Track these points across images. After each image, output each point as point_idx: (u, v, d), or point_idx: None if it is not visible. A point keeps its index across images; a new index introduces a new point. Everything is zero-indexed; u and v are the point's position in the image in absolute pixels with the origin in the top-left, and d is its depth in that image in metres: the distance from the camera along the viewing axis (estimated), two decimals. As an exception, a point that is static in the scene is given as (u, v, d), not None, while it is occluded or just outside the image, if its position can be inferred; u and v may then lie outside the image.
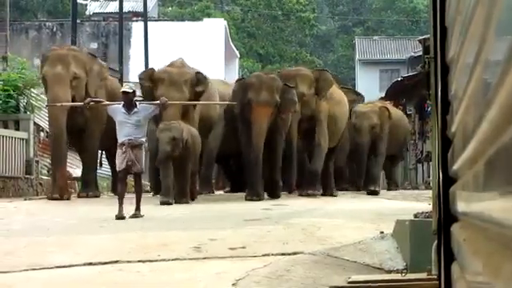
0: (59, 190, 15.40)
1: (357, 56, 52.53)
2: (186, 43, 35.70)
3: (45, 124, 18.20)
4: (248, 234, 8.89)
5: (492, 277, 1.69)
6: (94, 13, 44.18)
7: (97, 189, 17.15)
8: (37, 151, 18.12)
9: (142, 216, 11.38)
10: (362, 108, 20.36)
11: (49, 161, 17.41)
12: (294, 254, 7.63)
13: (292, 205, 14.43)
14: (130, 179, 13.12)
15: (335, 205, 14.71)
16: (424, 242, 5.80)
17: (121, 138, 11.40)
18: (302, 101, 17.01)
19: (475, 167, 2.12)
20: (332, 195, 18.49)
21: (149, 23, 32.93)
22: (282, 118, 16.60)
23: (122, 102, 11.70)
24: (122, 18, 30.47)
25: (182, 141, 14.21)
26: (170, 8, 56.44)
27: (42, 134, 18.95)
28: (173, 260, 7.41)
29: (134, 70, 33.56)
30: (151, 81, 15.91)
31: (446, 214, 3.40)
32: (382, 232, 8.52)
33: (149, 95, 15.29)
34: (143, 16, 33.63)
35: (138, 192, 11.73)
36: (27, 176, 17.52)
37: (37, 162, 17.93)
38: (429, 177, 24.96)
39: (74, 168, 18.93)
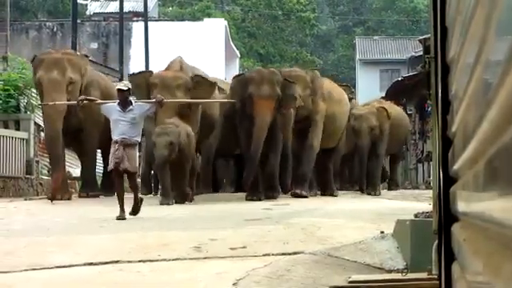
0: (52, 191, 15.39)
1: (357, 56, 52.54)
2: (186, 43, 35.69)
3: (45, 124, 18.17)
4: (248, 234, 8.89)
5: (492, 277, 1.69)
6: (94, 13, 44.19)
7: (97, 188, 17.12)
8: (37, 151, 18.12)
9: (139, 211, 11.32)
10: (360, 110, 20.29)
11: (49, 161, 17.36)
12: (295, 253, 7.63)
13: (292, 205, 14.43)
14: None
15: (335, 205, 14.71)
16: (424, 242, 5.80)
17: (115, 137, 11.20)
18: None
19: (475, 167, 2.12)
20: (332, 195, 18.50)
21: (149, 23, 32.94)
22: (283, 114, 16.52)
23: (117, 101, 11.54)
24: (123, 18, 30.47)
25: (179, 144, 14.18)
26: (170, 8, 56.45)
27: (42, 133, 18.91)
28: (173, 260, 7.40)
29: (135, 70, 33.49)
30: (146, 85, 15.72)
31: (446, 214, 3.40)
32: (382, 232, 8.52)
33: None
34: (143, 16, 33.64)
35: (134, 190, 11.53)
36: (27, 176, 17.53)
37: (37, 161, 17.94)
38: (429, 177, 24.96)
39: (74, 168, 18.94)
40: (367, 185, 20.58)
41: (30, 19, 43.32)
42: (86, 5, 44.97)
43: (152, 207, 13.56)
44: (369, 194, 19.74)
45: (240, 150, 17.86)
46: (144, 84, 15.56)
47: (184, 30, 38.27)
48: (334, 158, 19.77)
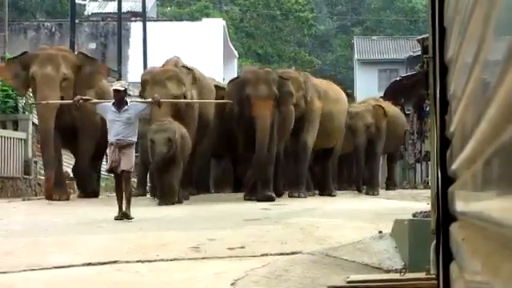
0: (46, 191, 15.33)
1: (355, 56, 52.55)
2: (184, 43, 35.73)
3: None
4: (247, 234, 8.88)
5: (491, 276, 1.69)
6: (92, 13, 44.23)
7: (91, 188, 16.90)
8: (35, 151, 18.08)
9: (132, 218, 10.97)
10: (355, 108, 20.14)
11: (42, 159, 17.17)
12: (293, 253, 7.63)
13: (291, 205, 14.44)
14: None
15: (334, 205, 14.71)
16: (423, 242, 5.80)
17: (111, 138, 11.15)
18: None
19: (474, 167, 2.12)
20: (331, 195, 18.50)
21: (147, 23, 32.95)
22: (283, 113, 16.49)
23: (113, 101, 11.44)
24: (121, 18, 30.48)
25: (175, 142, 14.10)
26: (168, 8, 56.46)
27: (40, 134, 18.89)
28: (172, 260, 7.40)
29: (133, 70, 33.63)
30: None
31: (444, 214, 3.40)
32: (380, 232, 8.52)
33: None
34: (142, 16, 33.66)
35: (128, 192, 11.22)
36: (26, 176, 17.51)
37: (35, 162, 17.91)
38: (427, 176, 24.97)
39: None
40: (366, 184, 20.58)
41: (29, 19, 43.34)
42: (85, 5, 45.01)
43: (150, 207, 13.57)
44: (367, 193, 19.72)
45: (232, 151, 17.91)
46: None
47: (182, 30, 38.31)
48: (332, 158, 19.75)
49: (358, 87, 47.84)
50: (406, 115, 30.72)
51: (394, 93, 30.48)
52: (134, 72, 32.57)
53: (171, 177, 14.25)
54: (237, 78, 17.04)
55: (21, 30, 38.47)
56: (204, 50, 36.66)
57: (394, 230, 8.12)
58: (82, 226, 10.39)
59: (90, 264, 7.20)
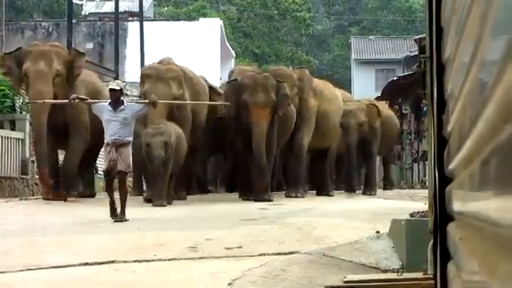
0: (44, 189, 15.25)
1: (352, 56, 52.56)
2: (181, 43, 35.72)
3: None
4: (244, 234, 8.89)
5: (488, 276, 1.69)
6: (89, 13, 44.20)
7: (77, 188, 16.66)
8: (32, 151, 18.05)
9: (127, 220, 10.93)
10: (348, 106, 19.94)
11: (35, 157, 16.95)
12: (290, 253, 7.63)
13: (288, 204, 14.44)
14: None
15: (331, 204, 14.71)
16: (420, 242, 5.80)
17: (107, 138, 11.08)
18: None
19: (471, 167, 2.12)
20: (328, 195, 18.48)
21: (144, 23, 32.94)
22: (281, 115, 16.45)
23: (109, 100, 11.35)
24: (118, 17, 30.44)
25: (172, 145, 14.05)
26: (165, 8, 56.43)
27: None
28: (169, 260, 7.40)
29: (130, 69, 33.64)
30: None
31: (441, 214, 3.41)
32: (378, 231, 8.53)
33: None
34: (139, 16, 33.65)
35: (123, 194, 11.22)
36: (23, 176, 17.48)
37: (32, 161, 17.86)
38: (425, 176, 24.96)
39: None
40: (363, 184, 20.58)
41: (26, 19, 43.30)
42: (82, 5, 44.96)
43: (147, 208, 13.56)
44: (365, 193, 19.70)
45: (225, 151, 17.90)
46: None
47: (179, 30, 38.28)
48: (329, 158, 19.70)
49: (355, 87, 47.85)
50: (404, 115, 30.75)
51: (391, 92, 30.47)
52: (131, 72, 32.58)
53: (165, 178, 14.21)
54: (234, 80, 16.81)
55: (18, 29, 38.42)
56: (201, 49, 36.65)
57: (392, 229, 8.13)
58: (80, 225, 10.39)
59: (87, 264, 7.20)
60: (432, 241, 4.16)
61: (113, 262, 7.30)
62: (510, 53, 1.42)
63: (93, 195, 16.80)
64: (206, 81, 18.43)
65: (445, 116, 3.35)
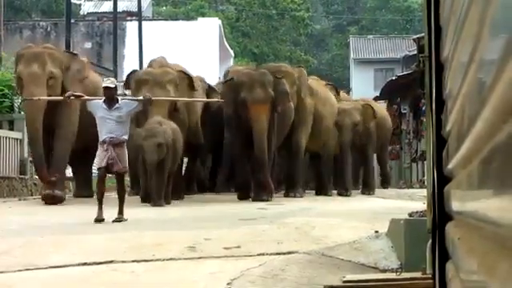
0: (46, 187, 15.17)
1: (351, 55, 52.59)
2: (180, 43, 35.73)
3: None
4: (243, 234, 8.88)
5: (487, 276, 1.69)
6: (88, 12, 44.23)
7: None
8: (30, 152, 18.04)
9: (125, 220, 10.90)
10: (344, 105, 19.80)
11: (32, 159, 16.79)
12: (289, 253, 7.63)
13: (287, 204, 14.43)
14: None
15: (330, 204, 14.70)
16: (418, 241, 5.80)
17: (102, 136, 10.88)
18: None
19: (470, 166, 2.12)
20: (326, 195, 18.47)
21: (143, 23, 32.95)
22: (280, 112, 16.38)
23: (103, 98, 11.14)
24: (117, 17, 30.46)
25: (167, 145, 13.88)
26: (164, 7, 56.45)
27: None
28: (168, 260, 7.40)
29: (129, 69, 33.52)
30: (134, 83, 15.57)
31: (440, 213, 3.41)
32: (376, 231, 8.53)
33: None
34: (137, 15, 33.65)
35: (121, 194, 11.14)
36: (21, 176, 17.48)
37: (31, 161, 17.86)
38: (423, 176, 24.95)
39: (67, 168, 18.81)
40: (362, 184, 20.60)
41: (24, 19, 43.31)
42: (80, 4, 45.00)
43: (146, 208, 13.55)
44: (363, 193, 19.72)
45: (219, 150, 17.89)
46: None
47: (178, 30, 38.29)
48: (324, 158, 19.54)
49: (354, 86, 47.89)
50: (402, 114, 30.73)
51: (389, 92, 30.49)
52: (129, 71, 32.53)
53: (163, 178, 14.16)
54: (230, 79, 16.67)
55: (16, 29, 38.43)
56: (200, 49, 36.66)
57: (390, 229, 8.12)
58: (78, 225, 10.39)
59: (85, 264, 7.20)
60: (431, 240, 4.16)
61: (111, 261, 7.30)
62: (508, 52, 1.41)
63: (91, 195, 16.78)
64: (204, 81, 18.39)
65: (443, 115, 3.35)
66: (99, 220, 10.71)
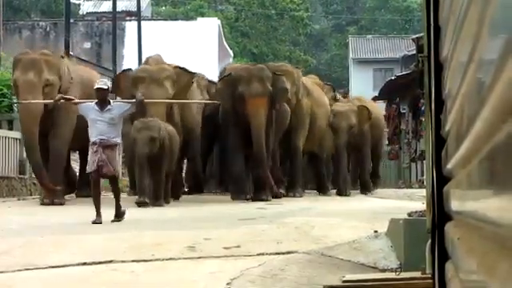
0: (47, 192, 15.07)
1: (350, 55, 52.55)
2: (179, 43, 35.73)
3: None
4: (242, 234, 8.88)
5: (486, 276, 1.69)
6: (87, 12, 44.20)
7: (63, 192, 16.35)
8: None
9: (124, 213, 10.98)
10: (339, 107, 19.73)
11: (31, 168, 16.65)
12: (289, 253, 7.63)
13: (286, 204, 14.44)
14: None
15: (329, 204, 14.71)
16: (418, 241, 5.80)
17: (92, 138, 10.72)
18: None
19: (469, 166, 2.12)
20: (326, 195, 18.50)
21: (142, 23, 32.90)
22: (279, 110, 16.30)
23: (95, 100, 10.99)
24: (116, 17, 30.43)
25: (160, 140, 13.73)
26: (163, 7, 56.44)
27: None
28: (167, 260, 7.40)
29: (128, 69, 33.56)
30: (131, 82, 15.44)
31: (439, 213, 3.41)
32: (376, 231, 8.53)
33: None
34: (137, 15, 33.60)
35: (116, 195, 11.12)
36: (21, 176, 17.47)
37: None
38: (423, 176, 24.95)
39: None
40: (360, 185, 20.65)
41: (23, 19, 43.25)
42: (79, 4, 44.98)
43: (145, 208, 13.53)
44: (363, 193, 19.77)
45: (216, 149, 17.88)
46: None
47: (177, 30, 38.28)
48: (321, 158, 19.54)
49: (353, 86, 47.86)
50: (401, 114, 30.75)
51: (389, 92, 30.50)
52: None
53: (161, 177, 14.11)
54: (228, 75, 16.48)
55: (15, 29, 38.39)
56: (199, 49, 36.65)
57: (390, 229, 8.13)
58: (78, 225, 10.39)
59: (85, 264, 7.20)
60: (430, 240, 4.16)
61: (111, 261, 7.30)
62: (507, 52, 1.41)
63: (90, 195, 16.72)
64: (204, 78, 18.39)
65: (443, 115, 3.35)
66: (96, 223, 10.62)
